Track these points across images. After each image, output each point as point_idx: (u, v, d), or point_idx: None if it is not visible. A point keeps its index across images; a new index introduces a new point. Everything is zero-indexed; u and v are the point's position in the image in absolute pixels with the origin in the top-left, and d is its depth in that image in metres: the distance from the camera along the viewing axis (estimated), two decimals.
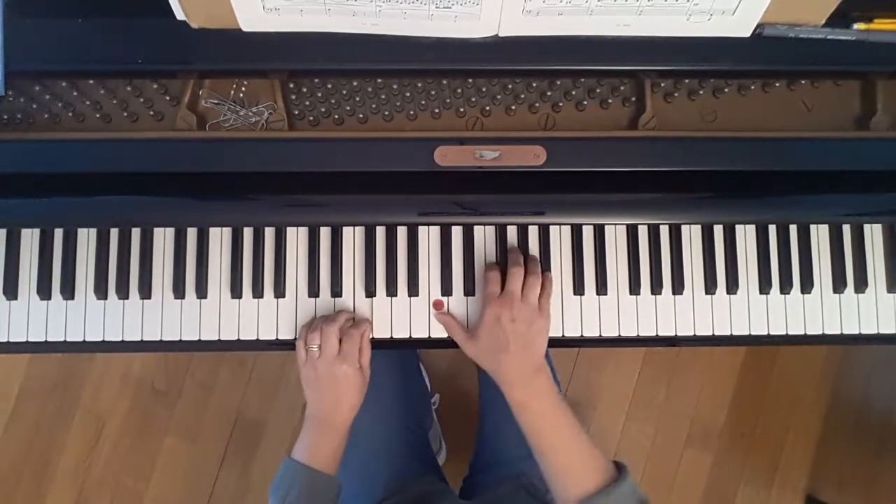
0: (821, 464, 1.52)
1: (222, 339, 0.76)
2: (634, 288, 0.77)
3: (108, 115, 0.72)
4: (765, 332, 0.77)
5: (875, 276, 0.78)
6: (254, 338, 0.77)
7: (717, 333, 0.77)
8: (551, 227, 0.77)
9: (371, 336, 0.76)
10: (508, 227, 0.78)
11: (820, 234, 0.78)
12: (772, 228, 0.78)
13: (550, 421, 0.67)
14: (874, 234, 0.78)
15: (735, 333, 0.77)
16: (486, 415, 1.00)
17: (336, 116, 0.72)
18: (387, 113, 0.72)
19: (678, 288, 0.77)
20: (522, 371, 0.68)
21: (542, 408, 0.68)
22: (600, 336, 0.77)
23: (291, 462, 0.69)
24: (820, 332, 0.78)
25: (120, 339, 0.76)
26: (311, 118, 0.72)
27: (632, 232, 0.78)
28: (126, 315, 0.76)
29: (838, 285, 0.77)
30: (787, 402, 1.53)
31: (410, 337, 0.77)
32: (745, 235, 0.78)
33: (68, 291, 0.76)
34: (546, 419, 0.67)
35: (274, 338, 0.77)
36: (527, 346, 0.69)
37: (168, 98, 0.71)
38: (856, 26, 0.65)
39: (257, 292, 0.77)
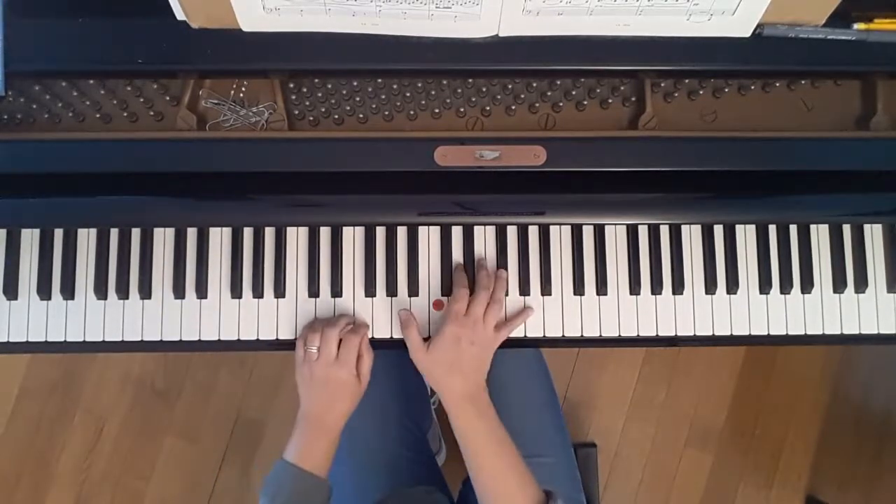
0: (821, 464, 1.52)
1: (222, 339, 0.76)
2: (634, 288, 0.77)
3: (108, 115, 0.72)
4: (765, 332, 0.77)
5: (875, 276, 0.78)
6: (254, 338, 0.77)
7: (717, 333, 0.77)
8: (551, 227, 0.77)
9: (371, 336, 0.76)
10: (508, 227, 0.77)
11: (820, 234, 0.78)
12: (772, 228, 0.78)
13: (491, 442, 0.69)
14: (874, 234, 0.78)
15: (735, 333, 0.77)
16: None
17: (336, 116, 0.72)
18: (387, 113, 0.72)
19: (678, 288, 0.77)
20: (470, 390, 0.70)
21: (484, 427, 0.70)
22: (600, 336, 0.77)
23: (284, 463, 0.69)
24: (820, 332, 0.78)
25: (120, 339, 0.76)
26: (311, 118, 0.72)
27: (632, 232, 0.78)
28: (126, 315, 0.76)
29: (838, 285, 0.77)
30: (787, 402, 1.53)
31: None
32: (745, 235, 0.78)
33: (68, 291, 0.76)
34: (487, 439, 0.69)
35: (274, 338, 0.77)
36: (478, 369, 0.71)
37: (168, 98, 0.71)
38: (856, 26, 0.65)
39: (257, 292, 0.76)
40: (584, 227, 0.78)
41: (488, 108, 0.72)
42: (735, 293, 0.77)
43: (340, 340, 0.72)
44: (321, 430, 0.71)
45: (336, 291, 0.77)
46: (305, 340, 0.72)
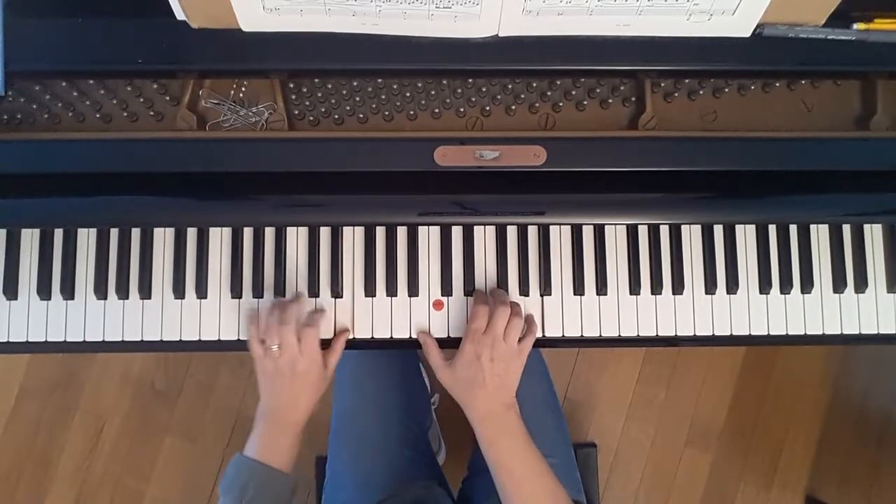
0: (821, 464, 1.52)
1: (222, 339, 0.77)
2: (634, 288, 0.77)
3: (108, 115, 0.72)
4: (765, 332, 0.77)
5: (875, 276, 0.78)
6: None
7: (717, 333, 0.77)
8: (551, 227, 0.77)
9: (371, 336, 0.76)
10: (508, 227, 0.77)
11: (820, 234, 0.78)
12: (772, 228, 0.78)
13: (518, 458, 0.68)
14: (874, 234, 0.78)
15: (735, 333, 0.77)
16: None
17: (336, 116, 0.72)
18: (387, 113, 0.72)
19: (678, 288, 0.77)
20: (494, 407, 0.69)
21: (510, 444, 0.69)
22: (600, 336, 0.77)
23: (244, 459, 0.67)
24: (820, 332, 0.77)
25: (120, 339, 0.76)
26: (311, 118, 0.72)
27: (632, 232, 0.78)
28: (126, 315, 0.76)
29: (838, 285, 0.77)
30: (787, 402, 1.53)
31: (410, 337, 0.77)
32: (745, 235, 0.78)
33: (68, 291, 0.76)
34: (514, 456, 0.68)
35: None
36: (503, 385, 0.70)
37: (168, 98, 0.71)
38: (856, 26, 0.65)
39: (257, 292, 0.76)
40: (584, 227, 0.78)
41: (488, 108, 0.72)
42: (735, 293, 0.77)
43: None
44: (284, 425, 0.71)
45: (336, 291, 0.77)
46: (264, 340, 0.70)
